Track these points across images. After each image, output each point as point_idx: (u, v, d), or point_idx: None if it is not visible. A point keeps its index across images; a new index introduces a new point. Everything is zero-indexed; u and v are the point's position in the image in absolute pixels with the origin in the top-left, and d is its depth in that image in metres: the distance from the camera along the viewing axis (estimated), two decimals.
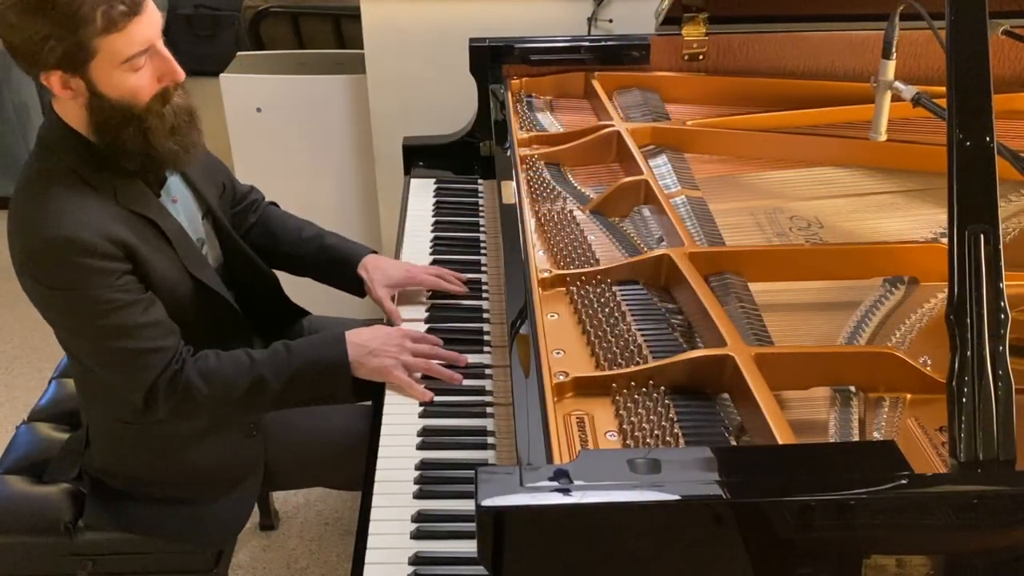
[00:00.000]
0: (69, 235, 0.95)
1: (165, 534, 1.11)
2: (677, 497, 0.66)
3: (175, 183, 1.12)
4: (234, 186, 1.27)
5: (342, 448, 1.15)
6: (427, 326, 1.21)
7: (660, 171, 1.28)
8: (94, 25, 0.90)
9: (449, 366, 1.09)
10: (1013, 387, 0.68)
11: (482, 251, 1.36)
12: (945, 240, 0.74)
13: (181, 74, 1.00)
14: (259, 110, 1.87)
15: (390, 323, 1.20)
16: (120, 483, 1.13)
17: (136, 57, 0.94)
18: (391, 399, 1.08)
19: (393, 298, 1.23)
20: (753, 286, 1.02)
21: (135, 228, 1.01)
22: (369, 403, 1.11)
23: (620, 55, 1.51)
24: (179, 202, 1.12)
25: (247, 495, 1.15)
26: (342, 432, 1.15)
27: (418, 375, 1.08)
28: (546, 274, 1.03)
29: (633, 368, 0.87)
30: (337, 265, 1.25)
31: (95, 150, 1.00)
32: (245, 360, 1.05)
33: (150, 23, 0.95)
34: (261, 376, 1.04)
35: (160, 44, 0.97)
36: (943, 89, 0.74)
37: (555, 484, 0.66)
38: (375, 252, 1.27)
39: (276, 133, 1.91)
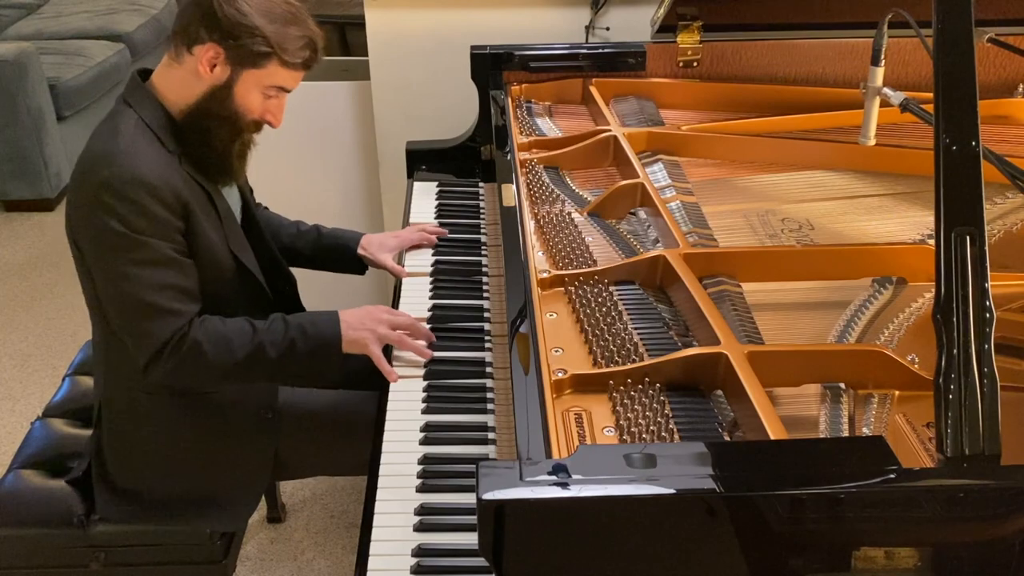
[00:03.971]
0: (144, 176, 1.02)
1: (181, 521, 1.13)
2: (672, 491, 0.67)
3: None
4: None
5: (349, 431, 1.17)
6: (429, 325, 1.23)
7: (656, 177, 1.29)
8: (289, 56, 1.05)
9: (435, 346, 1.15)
10: (998, 384, 0.70)
11: (483, 252, 1.38)
12: (932, 241, 0.75)
13: (280, 122, 1.13)
14: None
15: (397, 288, 1.30)
16: (133, 475, 1.14)
17: (275, 89, 1.09)
18: (395, 396, 1.10)
19: (398, 260, 1.35)
20: (746, 286, 1.03)
21: (194, 192, 1.08)
22: (375, 392, 1.13)
23: (617, 62, 1.52)
24: (227, 189, 1.18)
25: (258, 478, 1.17)
26: (350, 415, 1.18)
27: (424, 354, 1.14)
28: (545, 274, 1.05)
29: (630, 366, 0.89)
30: (337, 251, 1.36)
31: (173, 123, 1.09)
32: (247, 327, 1.09)
33: (300, 80, 1.11)
34: (261, 343, 1.08)
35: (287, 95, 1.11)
36: (930, 95, 0.76)
37: (554, 478, 0.68)
38: (364, 233, 1.38)
39: (282, 138, 1.93)
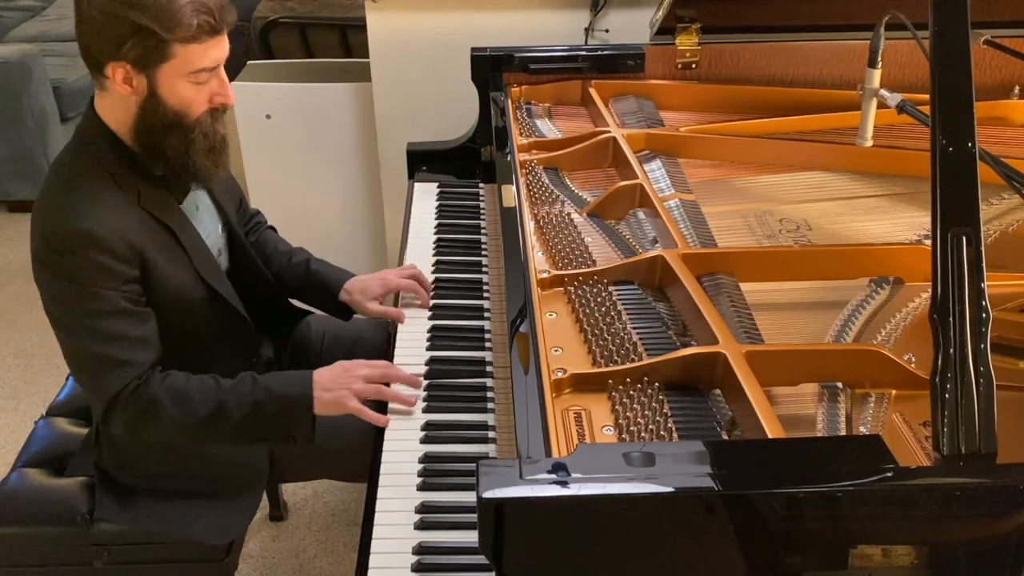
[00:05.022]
0: (88, 229, 0.97)
1: (172, 528, 1.13)
2: (671, 489, 0.68)
3: (198, 195, 1.15)
4: (245, 205, 1.31)
5: (349, 442, 1.16)
6: (431, 323, 1.24)
7: (654, 175, 1.30)
8: (185, 31, 0.95)
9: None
10: (994, 383, 0.70)
11: (483, 252, 1.39)
12: (929, 242, 0.75)
13: (232, 99, 1.04)
14: (268, 117, 1.90)
15: (397, 292, 1.24)
16: (129, 477, 1.15)
17: (203, 72, 0.99)
18: None
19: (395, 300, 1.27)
20: (744, 286, 1.04)
21: (152, 233, 1.04)
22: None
23: (616, 64, 1.53)
24: (201, 211, 1.15)
25: (252, 493, 1.17)
26: (349, 426, 1.15)
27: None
28: (545, 274, 1.05)
29: (629, 365, 0.89)
30: (321, 290, 1.28)
31: (128, 152, 1.03)
32: (212, 384, 1.04)
33: (224, 46, 1.01)
34: (223, 403, 1.03)
35: (222, 68, 1.02)
36: (927, 97, 0.76)
37: (553, 477, 0.68)
38: (354, 275, 1.29)
39: (285, 139, 1.94)
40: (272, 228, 1.36)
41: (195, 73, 0.99)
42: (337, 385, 1.05)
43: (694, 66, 1.54)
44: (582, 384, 0.89)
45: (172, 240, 1.06)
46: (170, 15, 0.94)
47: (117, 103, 1.01)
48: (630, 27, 1.67)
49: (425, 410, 1.08)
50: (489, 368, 1.14)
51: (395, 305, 1.28)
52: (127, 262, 1.00)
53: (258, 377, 1.07)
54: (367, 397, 1.06)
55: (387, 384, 1.09)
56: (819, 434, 0.84)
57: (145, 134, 1.01)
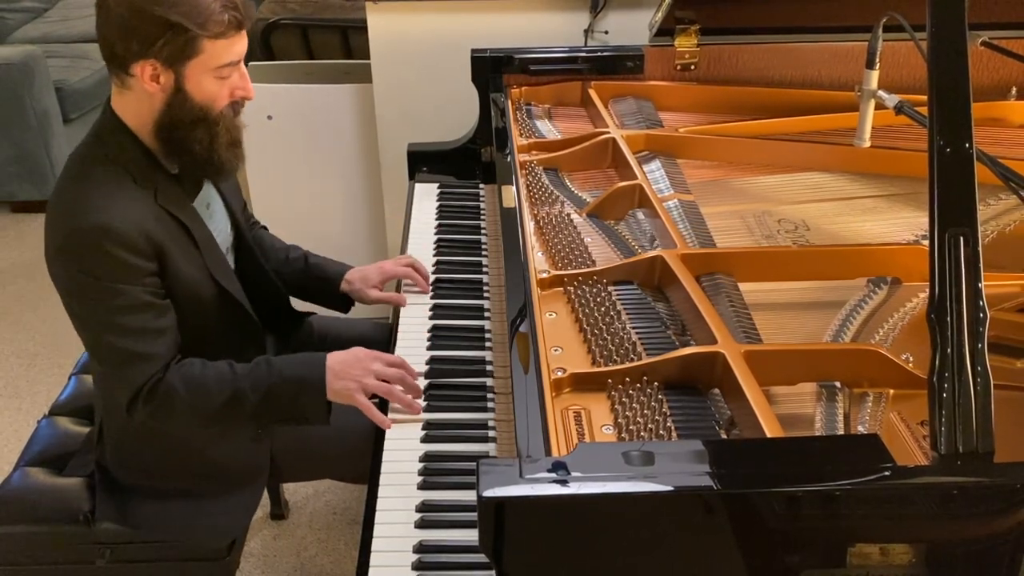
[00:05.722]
0: (108, 224, 0.98)
1: (173, 528, 1.14)
2: (670, 488, 0.68)
3: (210, 193, 1.15)
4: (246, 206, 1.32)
5: (349, 444, 1.16)
6: (431, 323, 1.24)
7: (653, 176, 1.30)
8: (216, 26, 0.97)
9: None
10: (991, 383, 0.71)
11: (483, 252, 1.39)
12: (926, 242, 0.75)
13: (252, 92, 1.06)
14: (270, 118, 1.90)
15: (395, 317, 1.24)
16: (129, 477, 1.15)
17: (228, 67, 1.01)
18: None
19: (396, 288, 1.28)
20: (742, 286, 1.04)
21: (168, 228, 1.04)
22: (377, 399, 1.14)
23: (615, 65, 1.53)
24: (212, 209, 1.15)
25: (252, 493, 1.17)
26: (349, 428, 1.16)
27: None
28: (544, 274, 1.06)
29: (628, 364, 0.90)
30: (321, 283, 1.30)
31: (144, 149, 1.04)
32: (227, 372, 1.05)
33: (245, 41, 1.02)
34: (240, 388, 1.04)
35: (243, 62, 1.04)
36: (925, 98, 0.77)
37: (553, 476, 0.69)
38: (352, 267, 1.31)
39: (286, 140, 1.95)
40: (264, 227, 1.36)
41: (221, 68, 1.00)
42: (348, 375, 1.06)
43: (693, 67, 1.54)
44: (582, 383, 0.90)
45: (186, 237, 1.07)
46: (201, 11, 0.96)
47: (139, 100, 1.01)
48: (629, 28, 1.67)
49: (426, 409, 1.09)
50: (489, 368, 1.14)
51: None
52: (146, 256, 1.01)
53: (272, 360, 1.08)
54: (376, 392, 1.07)
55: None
56: (817, 433, 0.84)
57: (171, 129, 1.02)
